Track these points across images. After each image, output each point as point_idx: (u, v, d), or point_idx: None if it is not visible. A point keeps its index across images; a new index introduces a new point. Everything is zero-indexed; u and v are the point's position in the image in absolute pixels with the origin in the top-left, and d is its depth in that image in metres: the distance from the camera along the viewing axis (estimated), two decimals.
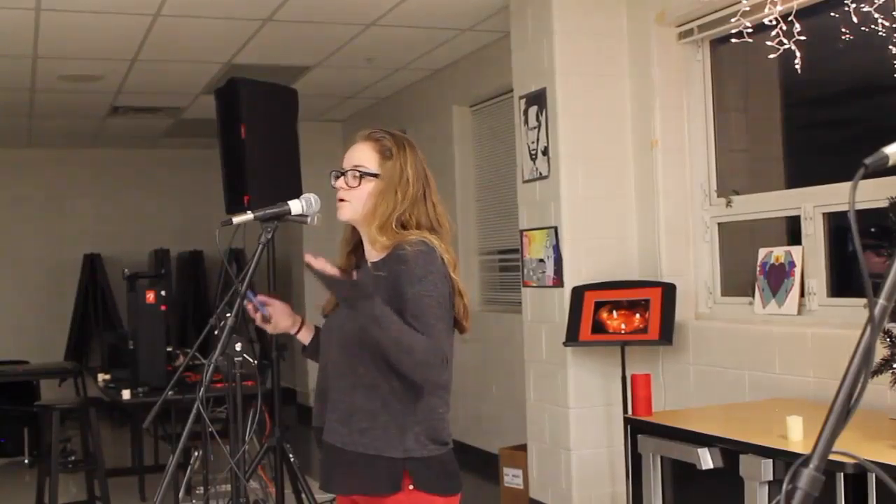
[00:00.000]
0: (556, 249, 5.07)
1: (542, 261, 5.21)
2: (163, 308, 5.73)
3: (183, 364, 4.31)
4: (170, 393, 3.23)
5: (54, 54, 6.49)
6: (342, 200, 2.51)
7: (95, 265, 10.50)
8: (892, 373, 3.25)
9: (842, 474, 2.75)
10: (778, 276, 4.33)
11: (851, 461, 2.63)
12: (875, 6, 3.00)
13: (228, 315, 2.61)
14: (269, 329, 2.65)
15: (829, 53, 3.88)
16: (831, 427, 1.33)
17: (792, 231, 4.45)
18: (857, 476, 2.73)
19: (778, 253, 4.36)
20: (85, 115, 8.79)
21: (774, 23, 3.13)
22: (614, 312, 4.79)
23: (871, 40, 3.09)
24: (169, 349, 6.01)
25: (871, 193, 3.42)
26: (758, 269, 4.45)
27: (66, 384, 7.94)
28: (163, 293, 5.74)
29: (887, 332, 3.22)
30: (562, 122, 5.05)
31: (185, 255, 10.73)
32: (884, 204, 3.31)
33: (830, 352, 3.87)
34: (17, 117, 8.74)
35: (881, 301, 1.34)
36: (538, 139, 5.20)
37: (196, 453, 5.25)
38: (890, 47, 3.06)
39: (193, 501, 5.62)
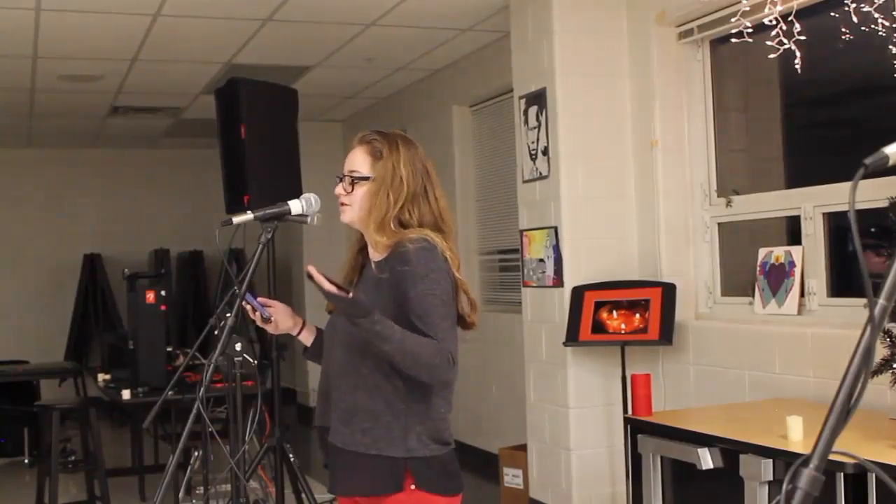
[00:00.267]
0: (556, 249, 5.07)
1: (542, 261, 5.21)
2: (163, 308, 5.73)
3: (183, 364, 4.31)
4: (170, 393, 3.23)
5: (54, 54, 6.49)
6: (343, 204, 2.54)
7: (95, 265, 10.50)
8: (892, 373, 3.25)
9: (842, 474, 2.75)
10: (778, 276, 4.33)
11: (851, 461, 2.63)
12: (875, 6, 3.00)
13: (228, 315, 2.61)
14: (271, 330, 2.65)
15: (829, 53, 3.88)
16: (831, 427, 1.33)
17: (792, 231, 4.45)
18: (857, 476, 2.73)
19: (778, 253, 4.36)
20: (85, 115, 8.79)
21: (774, 23, 3.13)
22: (614, 312, 4.79)
23: (871, 40, 3.09)
24: (169, 349, 6.01)
25: (871, 193, 3.42)
26: (758, 269, 4.45)
27: (66, 384, 7.95)
28: (163, 293, 5.74)
29: (887, 332, 3.22)
30: (562, 122, 5.05)
31: (185, 255, 10.73)
32: (884, 204, 3.31)
33: (830, 352, 3.87)
34: (17, 117, 8.74)
35: (881, 301, 1.34)
36: (538, 139, 5.20)
37: (196, 453, 5.25)
38: (890, 47, 3.06)
39: (193, 501, 5.62)
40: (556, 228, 5.07)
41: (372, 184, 2.48)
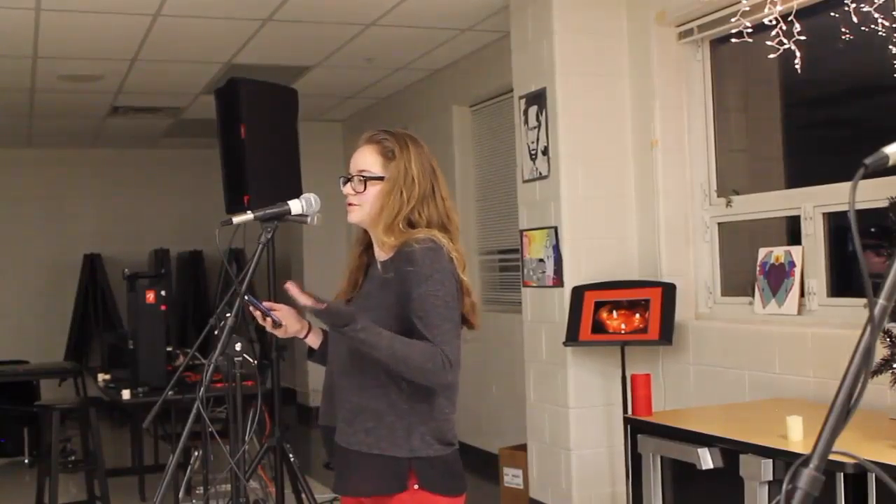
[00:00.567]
0: (556, 249, 5.07)
1: (542, 261, 5.21)
2: (163, 308, 5.73)
3: (183, 364, 4.31)
4: (170, 393, 3.23)
5: (54, 54, 6.49)
6: (351, 205, 2.52)
7: (95, 265, 10.50)
8: (892, 373, 3.25)
9: (842, 474, 2.75)
10: (778, 276, 4.33)
11: (851, 461, 2.63)
12: (875, 6, 3.00)
13: (228, 315, 2.61)
14: (280, 334, 2.63)
15: (829, 53, 3.88)
16: (831, 427, 1.33)
17: (792, 231, 4.45)
18: (857, 476, 2.73)
19: (778, 253, 4.36)
20: (85, 115, 8.79)
21: (774, 23, 3.13)
22: (614, 312, 4.79)
23: (871, 40, 3.09)
24: (169, 349, 6.01)
25: (871, 193, 3.42)
26: (758, 269, 4.45)
27: (66, 384, 7.95)
28: (163, 293, 5.74)
29: (887, 332, 3.22)
30: (562, 122, 5.05)
31: (185, 255, 10.73)
32: (884, 204, 3.31)
33: (830, 352, 3.87)
34: (17, 117, 8.74)
35: (881, 301, 1.34)
36: (538, 139, 5.20)
37: (196, 453, 5.25)
38: (890, 47, 3.06)
39: (193, 501, 5.62)
40: (556, 228, 5.07)
41: (385, 184, 2.47)
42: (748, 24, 3.23)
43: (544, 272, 5.19)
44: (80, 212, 10.73)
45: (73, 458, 6.62)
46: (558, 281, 5.08)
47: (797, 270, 4.24)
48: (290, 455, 4.43)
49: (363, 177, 2.49)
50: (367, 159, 2.51)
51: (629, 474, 3.69)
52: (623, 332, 4.74)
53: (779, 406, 3.78)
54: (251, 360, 3.14)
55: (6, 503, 6.67)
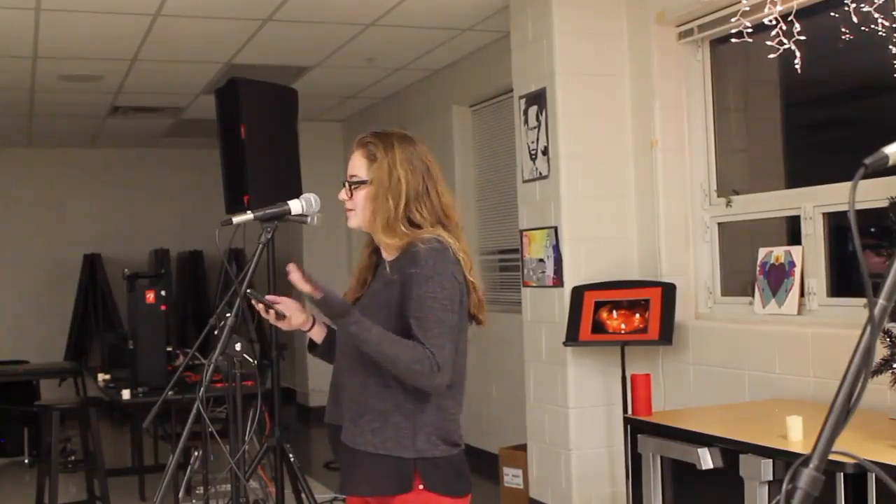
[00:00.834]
0: (556, 249, 5.07)
1: (542, 261, 5.21)
2: (163, 308, 5.73)
3: (183, 364, 4.31)
4: (170, 393, 3.23)
5: (54, 54, 6.49)
6: (348, 210, 2.53)
7: (95, 265, 10.50)
8: (892, 373, 3.25)
9: (842, 474, 2.75)
10: (778, 276, 4.33)
11: (851, 461, 2.63)
12: (875, 6, 3.00)
13: (228, 315, 2.61)
14: (284, 326, 2.63)
15: (829, 53, 3.88)
16: (831, 427, 1.33)
17: (792, 231, 4.45)
18: (857, 476, 2.73)
19: (778, 253, 4.36)
20: (85, 115, 8.79)
21: (774, 23, 3.13)
22: (614, 312, 4.79)
23: (871, 40, 3.09)
24: (169, 349, 6.01)
25: (871, 193, 3.42)
26: (758, 268, 4.45)
27: (66, 384, 7.95)
28: (163, 293, 5.74)
29: (887, 332, 3.22)
30: (562, 122, 5.05)
31: (185, 255, 10.73)
32: (884, 204, 3.31)
33: (830, 352, 3.87)
34: (17, 117, 8.74)
35: (881, 301, 1.34)
36: (538, 139, 5.20)
37: (196, 453, 5.25)
38: (890, 47, 3.06)
39: (193, 501, 5.62)
40: (556, 228, 5.07)
41: (370, 187, 2.47)
42: (748, 24, 3.23)
43: (544, 272, 5.19)
44: (80, 212, 10.72)
45: (73, 458, 6.61)
46: (558, 281, 5.08)
47: (797, 270, 4.24)
48: (290, 455, 4.42)
49: (350, 182, 2.51)
50: (355, 163, 2.52)
51: (629, 474, 3.69)
52: (623, 332, 4.74)
53: (779, 406, 3.78)
54: (251, 359, 3.14)
55: (6, 503, 6.67)
